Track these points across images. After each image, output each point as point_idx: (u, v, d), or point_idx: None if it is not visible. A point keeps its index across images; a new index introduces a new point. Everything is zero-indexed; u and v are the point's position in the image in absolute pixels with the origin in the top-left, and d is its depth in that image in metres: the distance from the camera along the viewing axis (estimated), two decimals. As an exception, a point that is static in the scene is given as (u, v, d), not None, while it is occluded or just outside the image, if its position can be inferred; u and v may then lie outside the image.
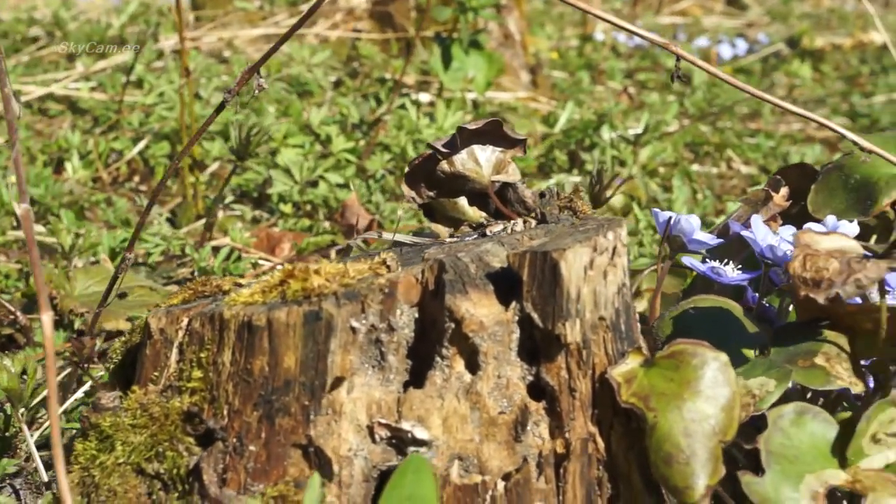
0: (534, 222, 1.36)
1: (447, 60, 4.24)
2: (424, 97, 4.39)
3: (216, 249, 2.41)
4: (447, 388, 1.13)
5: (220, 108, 1.40)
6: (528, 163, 3.84)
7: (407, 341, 1.15)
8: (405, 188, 1.68)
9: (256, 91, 1.36)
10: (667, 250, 1.54)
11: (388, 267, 1.19)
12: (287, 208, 3.12)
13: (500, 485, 1.12)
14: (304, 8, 5.59)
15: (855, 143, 1.37)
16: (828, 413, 1.15)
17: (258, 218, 3.10)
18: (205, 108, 3.69)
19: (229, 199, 2.76)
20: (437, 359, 1.13)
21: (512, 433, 1.14)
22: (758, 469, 1.11)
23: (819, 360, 1.23)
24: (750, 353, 1.30)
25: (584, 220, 1.30)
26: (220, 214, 3.08)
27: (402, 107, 3.94)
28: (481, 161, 1.63)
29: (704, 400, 1.10)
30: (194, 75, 4.01)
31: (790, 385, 1.41)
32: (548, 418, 1.16)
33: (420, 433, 1.11)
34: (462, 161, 1.63)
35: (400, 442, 1.12)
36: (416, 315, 1.15)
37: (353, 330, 1.09)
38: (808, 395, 1.45)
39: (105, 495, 1.10)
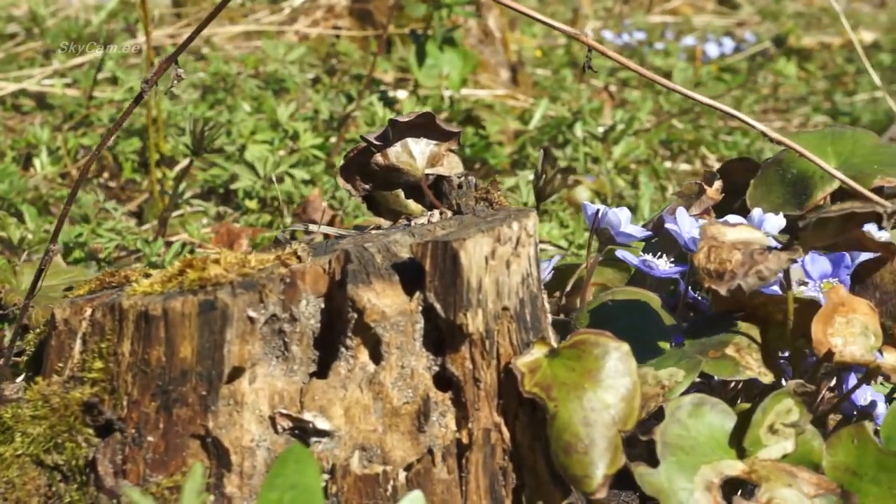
0: (450, 213, 1.36)
1: (421, 57, 4.24)
2: (402, 94, 4.39)
3: (170, 244, 2.42)
4: (351, 379, 1.13)
5: (139, 98, 1.40)
6: (501, 159, 3.84)
7: (313, 332, 1.14)
8: (340, 181, 1.68)
9: (175, 81, 1.36)
10: (596, 243, 1.54)
11: (298, 258, 1.19)
12: (252, 204, 3.12)
13: (402, 475, 1.12)
14: (285, 5, 5.59)
15: (765, 136, 1.37)
16: (726, 404, 1.15)
17: (223, 214, 3.10)
18: (176, 104, 3.69)
19: (188, 194, 2.76)
20: (342, 349, 1.13)
21: (415, 423, 1.14)
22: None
23: (729, 351, 1.23)
24: (665, 344, 1.30)
25: (497, 211, 1.30)
26: (187, 210, 3.08)
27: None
28: (415, 154, 1.62)
29: (605, 390, 1.10)
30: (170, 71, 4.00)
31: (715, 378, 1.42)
32: (454, 409, 1.16)
33: (321, 423, 1.11)
34: (396, 154, 1.63)
35: (302, 432, 1.12)
36: (323, 305, 1.15)
37: (251, 320, 1.09)
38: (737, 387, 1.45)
39: (3, 487, 1.10)
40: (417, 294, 1.14)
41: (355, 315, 1.12)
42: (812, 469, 1.12)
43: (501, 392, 1.16)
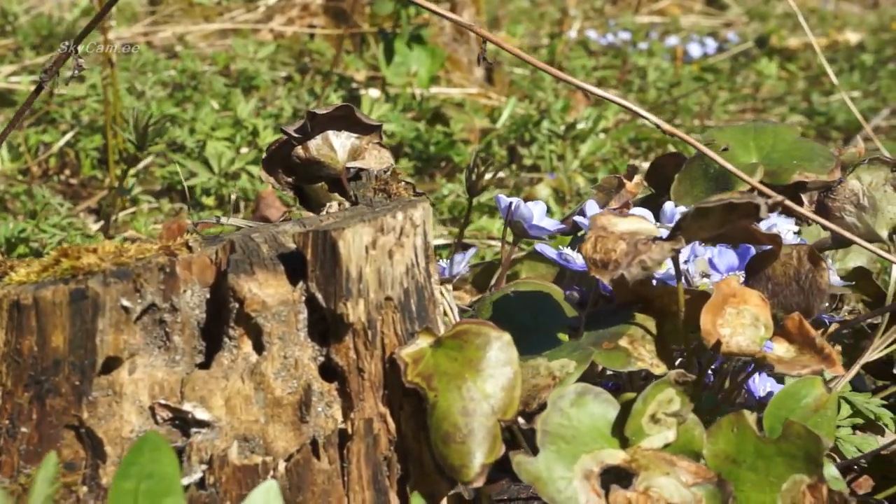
0: (348, 204, 1.36)
1: (389, 55, 4.24)
2: (374, 93, 4.38)
3: (111, 239, 2.41)
4: (233, 369, 1.12)
5: (38, 90, 1.40)
6: (465, 157, 3.84)
7: (198, 322, 1.14)
8: (263, 174, 1.67)
9: (76, 71, 1.35)
10: (510, 235, 1.54)
11: (189, 248, 1.18)
12: (210, 201, 3.12)
13: (282, 465, 1.12)
14: (260, 3, 5.59)
15: (658, 127, 1.36)
16: (610, 394, 1.14)
17: (178, 210, 3.09)
18: (140, 100, 3.69)
19: (137, 190, 2.75)
20: (226, 339, 1.13)
21: (297, 414, 1.13)
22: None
23: (623, 342, 1.22)
24: (564, 335, 1.30)
25: (393, 201, 1.30)
26: (145, 207, 3.08)
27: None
28: (336, 147, 1.62)
29: (485, 379, 1.10)
30: (145, 69, 4.01)
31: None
32: (340, 399, 1.15)
33: (201, 414, 1.10)
34: (317, 147, 1.62)
35: (183, 423, 1.11)
36: (208, 296, 1.14)
37: (126, 309, 1.08)
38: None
39: None
40: (300, 284, 1.13)
41: (237, 305, 1.12)
42: (693, 458, 1.11)
43: (387, 382, 1.16)
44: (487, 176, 3.11)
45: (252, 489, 1.11)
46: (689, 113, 5.11)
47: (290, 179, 1.68)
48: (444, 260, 1.54)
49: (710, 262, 1.39)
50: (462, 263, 1.54)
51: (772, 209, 1.07)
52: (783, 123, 1.73)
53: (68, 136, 3.42)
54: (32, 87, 3.92)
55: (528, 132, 3.98)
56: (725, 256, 1.39)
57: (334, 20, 5.33)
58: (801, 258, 1.23)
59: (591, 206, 1.46)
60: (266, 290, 1.12)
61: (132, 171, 3.31)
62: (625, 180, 1.63)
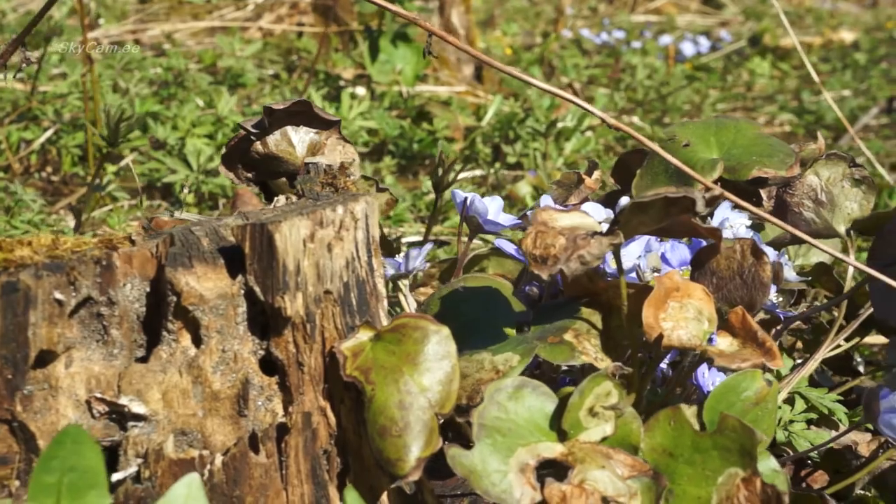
0: (295, 198, 1.35)
1: (374, 52, 4.23)
2: (360, 90, 4.38)
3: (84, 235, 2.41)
4: (171, 363, 1.11)
5: (-14, 83, 1.39)
6: (448, 154, 3.84)
7: (138, 315, 1.13)
8: (222, 169, 1.67)
9: (24, 65, 1.35)
10: (466, 230, 1.53)
11: (131, 241, 1.18)
12: (189, 198, 3.12)
13: (219, 459, 1.11)
14: (250, 2, 5.58)
15: (604, 122, 1.36)
16: (549, 387, 1.14)
17: (156, 207, 3.09)
18: (124, 98, 3.69)
19: (112, 187, 2.75)
20: (165, 333, 1.12)
21: (235, 407, 1.12)
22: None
23: (568, 337, 1.21)
24: (511, 330, 1.29)
25: (339, 195, 1.29)
26: (124, 204, 3.08)
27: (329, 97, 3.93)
28: (294, 142, 1.61)
29: (422, 373, 1.09)
30: (130, 66, 4.01)
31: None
32: (280, 393, 1.15)
33: (137, 407, 1.10)
34: (275, 142, 1.62)
35: (120, 417, 1.11)
36: (148, 289, 1.13)
37: (59, 302, 1.07)
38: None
39: None
40: (239, 277, 1.13)
41: (175, 298, 1.11)
42: (631, 451, 1.11)
43: (327, 376, 1.15)
44: (465, 174, 3.11)
45: (188, 483, 1.10)
46: (679, 111, 5.11)
47: (249, 175, 1.68)
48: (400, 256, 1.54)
49: (663, 256, 1.38)
50: (418, 259, 1.54)
51: (710, 203, 1.06)
52: (744, 119, 1.72)
53: (49, 133, 3.42)
54: (18, 84, 3.92)
55: (512, 130, 3.98)
56: (678, 251, 1.39)
57: (323, 18, 5.32)
58: (744, 252, 1.23)
59: (546, 202, 1.46)
60: (204, 284, 1.11)
61: (112, 169, 3.31)
62: (584, 176, 1.63)
